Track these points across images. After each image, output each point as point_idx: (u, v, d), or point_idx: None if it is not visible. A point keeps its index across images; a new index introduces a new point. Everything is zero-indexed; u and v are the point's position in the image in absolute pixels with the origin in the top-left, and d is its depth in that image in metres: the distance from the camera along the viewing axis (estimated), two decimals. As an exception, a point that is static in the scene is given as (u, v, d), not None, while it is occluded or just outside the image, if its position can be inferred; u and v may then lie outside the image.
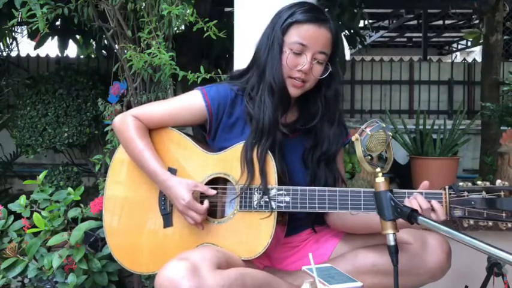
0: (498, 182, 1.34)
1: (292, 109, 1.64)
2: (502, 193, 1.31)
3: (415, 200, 1.38)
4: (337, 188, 1.49)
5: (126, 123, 1.61)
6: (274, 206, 1.49)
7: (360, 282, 1.31)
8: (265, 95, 1.54)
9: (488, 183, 1.35)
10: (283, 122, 1.61)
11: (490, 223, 1.32)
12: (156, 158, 1.57)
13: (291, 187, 1.50)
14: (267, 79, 1.54)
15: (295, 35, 1.51)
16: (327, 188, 1.49)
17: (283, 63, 1.52)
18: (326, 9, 1.63)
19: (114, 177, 1.68)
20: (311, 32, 1.51)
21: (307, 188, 1.49)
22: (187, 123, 1.67)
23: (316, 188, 1.49)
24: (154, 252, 1.59)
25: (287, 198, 1.49)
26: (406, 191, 1.41)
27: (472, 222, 1.35)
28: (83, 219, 1.98)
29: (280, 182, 1.52)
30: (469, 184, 1.37)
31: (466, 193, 1.35)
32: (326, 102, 1.60)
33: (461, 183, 1.37)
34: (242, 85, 1.61)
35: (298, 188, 1.49)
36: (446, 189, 1.38)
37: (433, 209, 1.37)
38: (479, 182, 1.37)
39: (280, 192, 1.49)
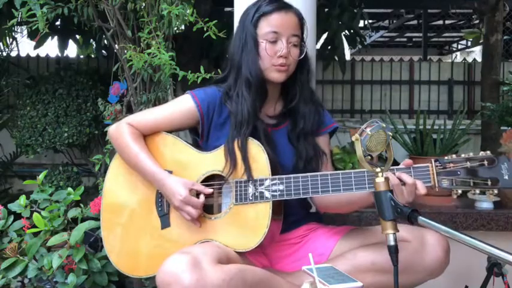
0: (481, 153, 1.41)
1: (279, 101, 1.72)
2: (485, 162, 1.38)
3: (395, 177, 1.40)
4: (329, 172, 1.53)
5: (120, 130, 1.67)
6: (269, 196, 1.53)
7: (360, 282, 1.31)
8: (242, 89, 1.61)
9: (471, 154, 1.42)
10: (272, 114, 1.70)
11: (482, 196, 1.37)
12: (152, 159, 1.62)
13: (284, 176, 1.54)
14: (243, 75, 1.61)
15: (266, 26, 1.60)
16: (318, 173, 1.53)
17: (262, 55, 1.60)
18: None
19: (111, 185, 1.73)
20: (280, 19, 1.60)
21: (300, 175, 1.53)
22: (181, 127, 1.72)
23: (309, 174, 1.53)
24: (153, 255, 1.61)
25: (281, 187, 1.53)
26: (395, 167, 1.45)
27: (460, 191, 1.42)
28: (83, 219, 1.98)
29: (274, 170, 1.55)
30: (454, 156, 1.43)
31: (451, 164, 1.42)
32: (301, 83, 1.68)
33: (446, 157, 1.43)
34: (226, 88, 1.67)
35: (291, 175, 1.54)
36: (433, 162, 1.44)
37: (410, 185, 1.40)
38: (462, 155, 1.42)
39: (274, 181, 1.53)
